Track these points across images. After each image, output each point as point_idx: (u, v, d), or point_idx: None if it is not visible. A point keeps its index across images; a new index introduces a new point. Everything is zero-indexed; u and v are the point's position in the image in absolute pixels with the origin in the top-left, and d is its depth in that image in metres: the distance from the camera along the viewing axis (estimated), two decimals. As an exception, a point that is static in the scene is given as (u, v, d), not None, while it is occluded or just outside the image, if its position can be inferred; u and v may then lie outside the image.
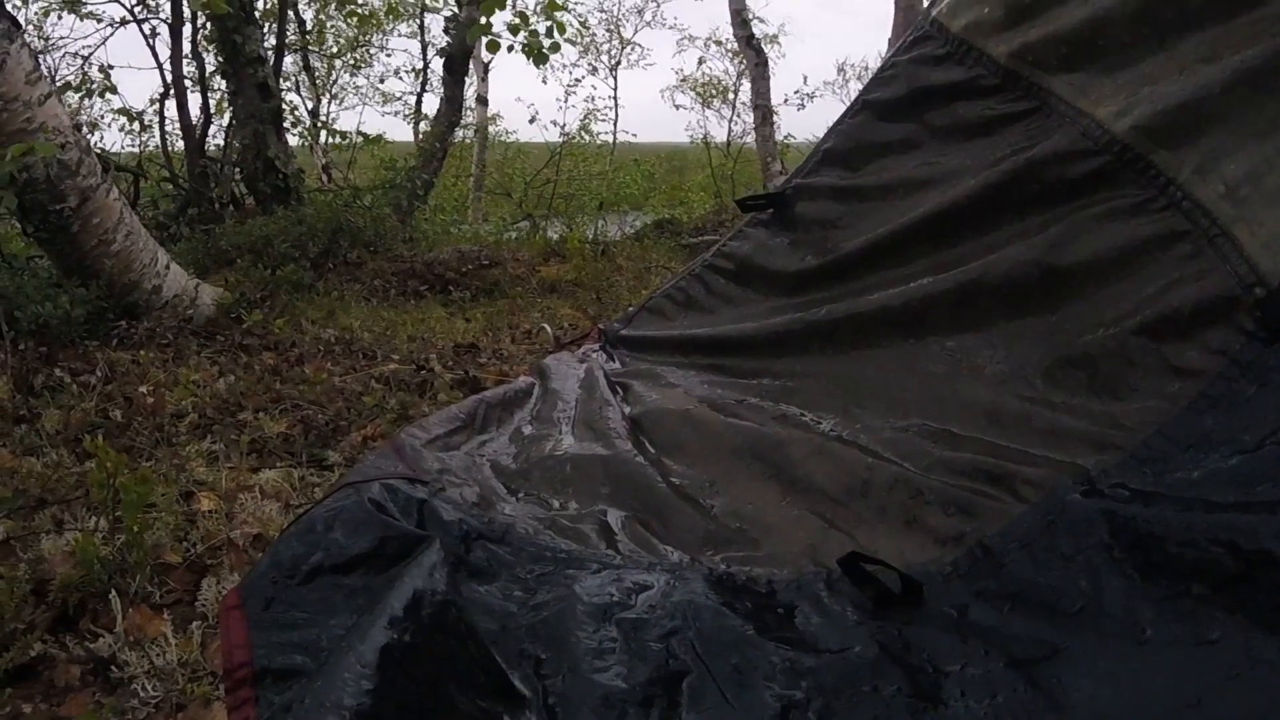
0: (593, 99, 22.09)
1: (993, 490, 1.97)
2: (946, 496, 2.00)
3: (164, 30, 9.22)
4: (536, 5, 6.33)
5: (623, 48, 23.23)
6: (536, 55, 6.14)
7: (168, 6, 9.02)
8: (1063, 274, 2.28)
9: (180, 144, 9.26)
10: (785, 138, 18.33)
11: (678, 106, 23.90)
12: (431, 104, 16.61)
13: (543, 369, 3.30)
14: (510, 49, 6.41)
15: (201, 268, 6.44)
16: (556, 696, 1.56)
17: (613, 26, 23.00)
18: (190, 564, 2.51)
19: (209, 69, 9.99)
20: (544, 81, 25.02)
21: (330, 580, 1.84)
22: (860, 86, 3.59)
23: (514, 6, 8.14)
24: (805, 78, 47.92)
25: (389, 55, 18.00)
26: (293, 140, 12.51)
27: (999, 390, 2.25)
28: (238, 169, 8.90)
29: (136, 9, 9.32)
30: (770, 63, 15.32)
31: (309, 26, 14.93)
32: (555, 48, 6.35)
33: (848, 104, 3.32)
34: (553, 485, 2.42)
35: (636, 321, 3.68)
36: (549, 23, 6.31)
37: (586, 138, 20.23)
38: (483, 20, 6.20)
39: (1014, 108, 2.66)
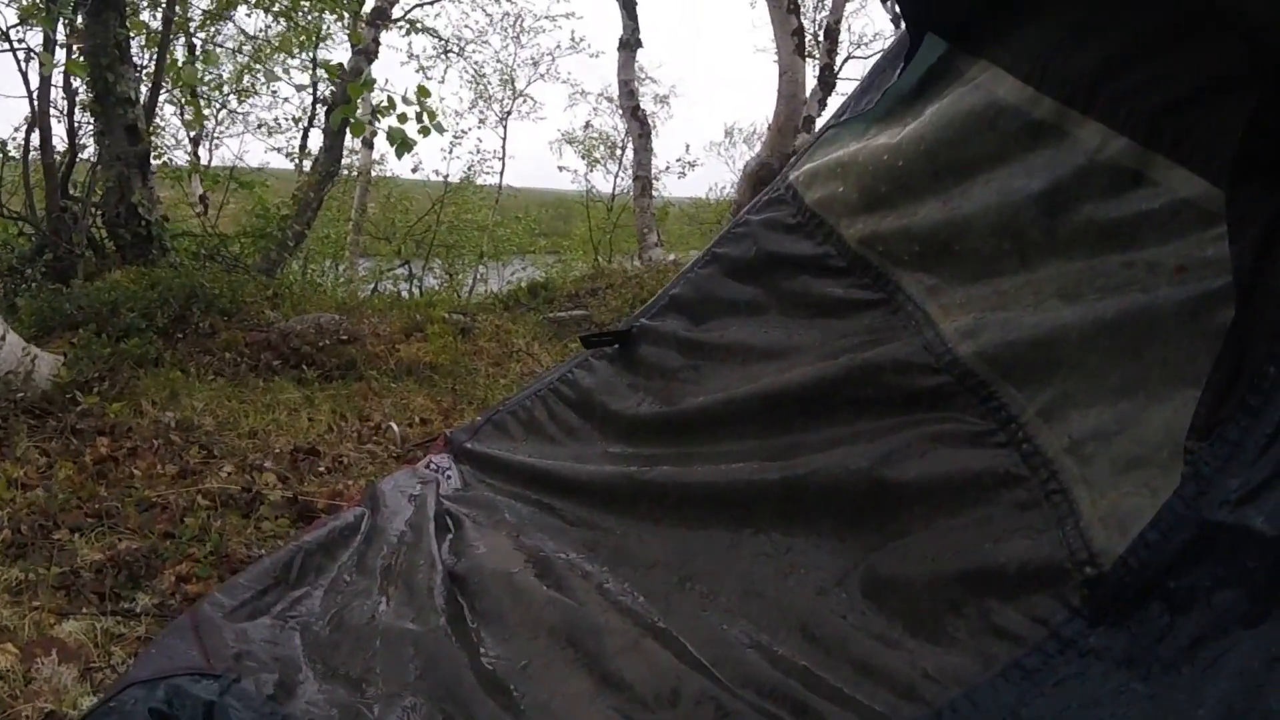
0: (479, 150, 21.75)
1: (797, 724, 1.93)
2: (751, 725, 1.97)
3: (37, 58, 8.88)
4: (405, 91, 6.24)
5: (515, 98, 23.07)
6: (400, 144, 6.03)
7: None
8: (891, 490, 2.23)
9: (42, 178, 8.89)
10: (665, 204, 18.48)
11: (561, 169, 23.92)
12: (318, 139, 16.30)
13: (375, 496, 3.22)
14: (373, 135, 6.39)
15: (45, 328, 6.18)
16: None
17: (507, 78, 22.79)
18: (-22, 745, 2.36)
19: (80, 102, 9.65)
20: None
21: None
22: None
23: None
24: (688, 146, 48.74)
25: (274, 92, 17.49)
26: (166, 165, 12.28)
27: (820, 603, 2.21)
28: (99, 212, 8.62)
29: (14, 30, 8.91)
30: (657, 125, 15.50)
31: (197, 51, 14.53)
32: (425, 132, 6.26)
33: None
34: (361, 661, 2.34)
35: (482, 435, 3.64)
36: (417, 108, 6.25)
37: (470, 190, 20.19)
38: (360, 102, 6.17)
39: (862, 295, 2.64)
